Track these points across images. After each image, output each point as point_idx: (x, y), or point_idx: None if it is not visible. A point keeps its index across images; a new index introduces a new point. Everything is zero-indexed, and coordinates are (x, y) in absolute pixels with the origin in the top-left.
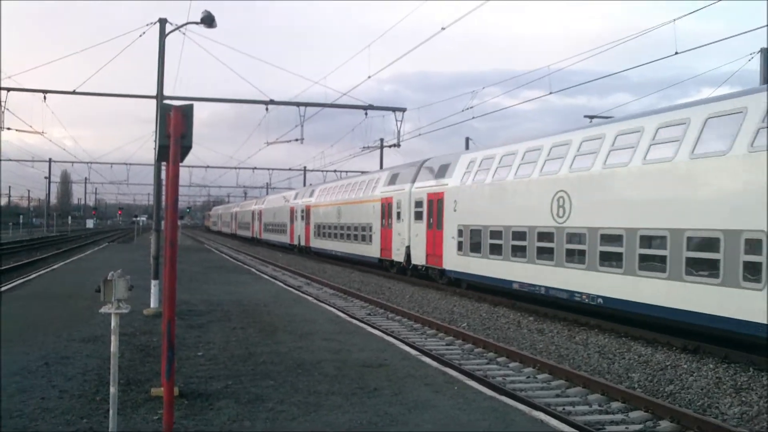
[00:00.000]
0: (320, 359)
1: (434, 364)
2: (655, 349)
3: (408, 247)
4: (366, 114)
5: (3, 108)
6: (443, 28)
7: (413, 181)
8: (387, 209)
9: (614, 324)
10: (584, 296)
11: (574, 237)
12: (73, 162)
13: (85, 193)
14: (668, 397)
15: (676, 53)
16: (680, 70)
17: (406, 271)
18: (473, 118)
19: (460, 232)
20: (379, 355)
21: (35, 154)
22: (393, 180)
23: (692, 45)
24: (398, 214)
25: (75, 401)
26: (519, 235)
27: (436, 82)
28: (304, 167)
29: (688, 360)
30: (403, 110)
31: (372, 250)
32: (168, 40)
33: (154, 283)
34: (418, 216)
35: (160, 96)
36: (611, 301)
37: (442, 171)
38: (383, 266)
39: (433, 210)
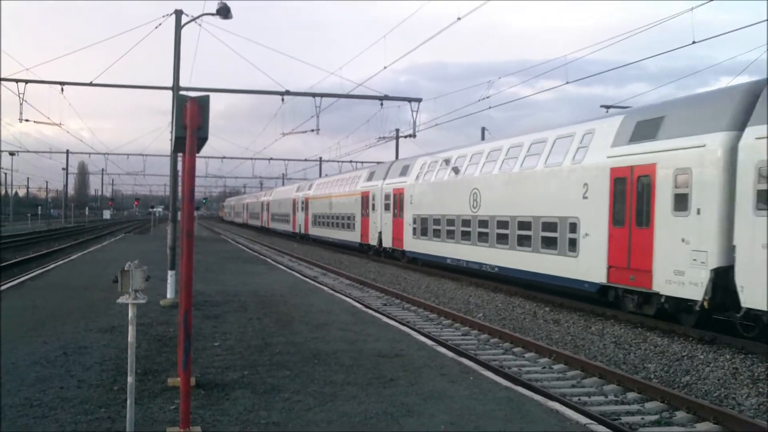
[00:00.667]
0: (336, 349)
1: (450, 354)
2: (671, 340)
3: (380, 233)
4: (381, 104)
5: (21, 100)
6: (459, 18)
7: (384, 179)
8: (365, 201)
9: (630, 315)
10: (487, 266)
11: (483, 223)
12: (90, 153)
13: (102, 184)
14: (684, 388)
15: (694, 42)
16: (698, 60)
17: (379, 252)
18: (489, 108)
19: (414, 220)
20: (395, 346)
21: (53, 145)
22: (370, 177)
23: (710, 34)
24: (373, 205)
25: (93, 391)
26: (450, 222)
27: (452, 72)
28: (320, 158)
29: (705, 351)
30: (419, 101)
31: (355, 236)
32: (184, 31)
33: (170, 273)
34: (387, 207)
35: (176, 87)
36: (503, 269)
37: (405, 171)
38: (363, 250)
39: (396, 202)
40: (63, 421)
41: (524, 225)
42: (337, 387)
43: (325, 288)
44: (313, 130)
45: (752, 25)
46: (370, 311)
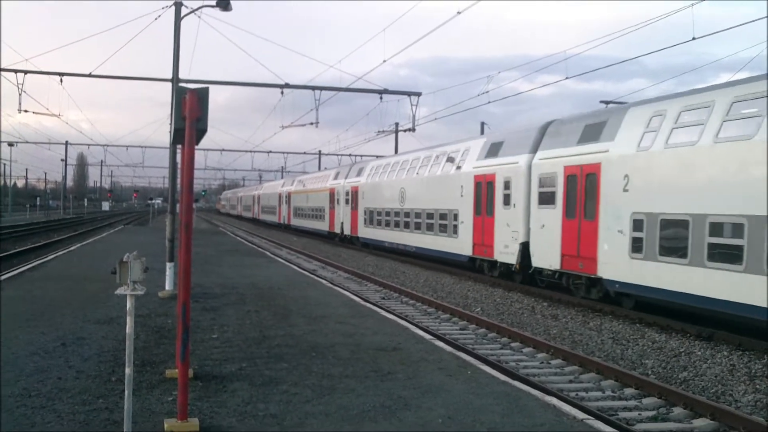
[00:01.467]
0: (334, 342)
1: (448, 348)
2: (669, 336)
3: (342, 223)
4: (381, 98)
5: (20, 90)
6: (459, 13)
7: (346, 178)
8: (332, 196)
9: (628, 310)
10: (408, 246)
11: (408, 214)
12: (89, 145)
13: (101, 175)
14: (681, 384)
15: (694, 39)
16: (698, 56)
17: (342, 239)
18: (489, 102)
19: (365, 212)
20: (393, 339)
21: (52, 136)
22: (336, 176)
23: (710, 30)
24: (337, 200)
25: (91, 382)
26: (387, 213)
27: (452, 66)
28: (319, 151)
29: (702, 347)
30: (418, 94)
31: (324, 225)
32: (183, 23)
33: (169, 265)
34: (347, 201)
35: (175, 79)
36: (418, 249)
37: (359, 172)
38: (330, 237)
39: (353, 198)
40: (61, 411)
41: (429, 215)
42: (335, 380)
43: (324, 281)
44: (312, 123)
45: (754, 21)
46: (368, 304)
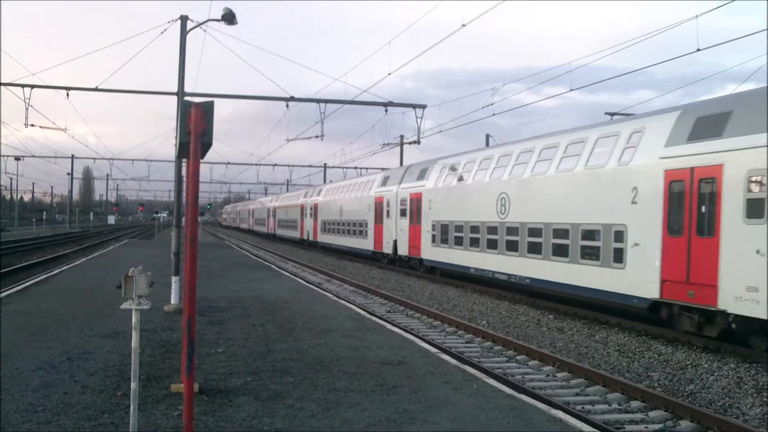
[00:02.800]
0: (340, 356)
1: (453, 361)
2: (675, 348)
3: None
4: (386, 111)
5: (27, 105)
6: (464, 25)
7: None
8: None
9: (634, 322)
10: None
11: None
12: (95, 158)
13: (107, 189)
14: (688, 397)
15: (698, 50)
16: (705, 66)
17: (393, 261)
18: (494, 114)
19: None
20: (399, 353)
21: (58, 150)
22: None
23: (715, 41)
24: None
25: (96, 396)
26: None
27: (458, 78)
28: (324, 164)
29: (709, 359)
30: (423, 107)
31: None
32: (189, 37)
33: (174, 279)
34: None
35: (180, 93)
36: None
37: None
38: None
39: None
40: (66, 426)
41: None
42: (341, 394)
43: (329, 294)
44: (317, 136)
45: (760, 32)
46: (374, 318)
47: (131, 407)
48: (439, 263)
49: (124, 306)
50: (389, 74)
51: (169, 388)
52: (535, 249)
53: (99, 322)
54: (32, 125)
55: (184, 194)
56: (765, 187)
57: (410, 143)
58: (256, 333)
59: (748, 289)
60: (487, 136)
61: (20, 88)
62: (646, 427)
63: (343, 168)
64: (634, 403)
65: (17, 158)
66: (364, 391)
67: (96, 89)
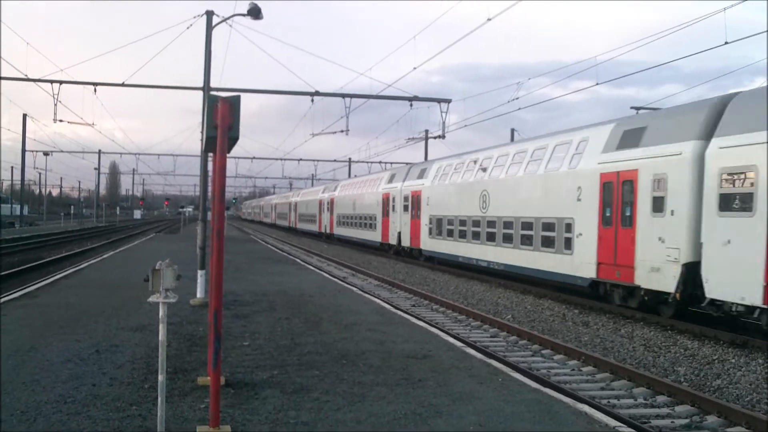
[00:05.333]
0: (365, 350)
1: (478, 355)
2: (701, 343)
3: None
4: (411, 105)
5: (56, 100)
6: (489, 19)
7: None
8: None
9: (659, 317)
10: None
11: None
12: (121, 153)
13: (133, 183)
14: (715, 392)
15: (726, 43)
16: (733, 60)
17: (398, 252)
18: (519, 109)
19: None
20: (424, 347)
21: (86, 145)
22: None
23: (744, 34)
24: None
25: (124, 388)
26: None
27: (484, 73)
28: (349, 158)
29: (736, 354)
30: (448, 101)
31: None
32: (215, 32)
33: (200, 273)
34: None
35: (207, 87)
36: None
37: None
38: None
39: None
40: (95, 417)
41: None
42: (366, 387)
43: (354, 288)
44: (342, 131)
45: None
46: (398, 312)
47: (159, 399)
48: (434, 253)
49: (151, 299)
50: (414, 69)
51: (195, 381)
52: (508, 239)
53: (126, 315)
54: (60, 120)
55: (210, 189)
56: (664, 187)
57: (435, 138)
58: (282, 326)
59: (652, 269)
60: (512, 131)
61: (49, 84)
62: (672, 422)
63: (367, 162)
64: (660, 398)
65: (46, 153)
66: (390, 385)
67: (123, 84)
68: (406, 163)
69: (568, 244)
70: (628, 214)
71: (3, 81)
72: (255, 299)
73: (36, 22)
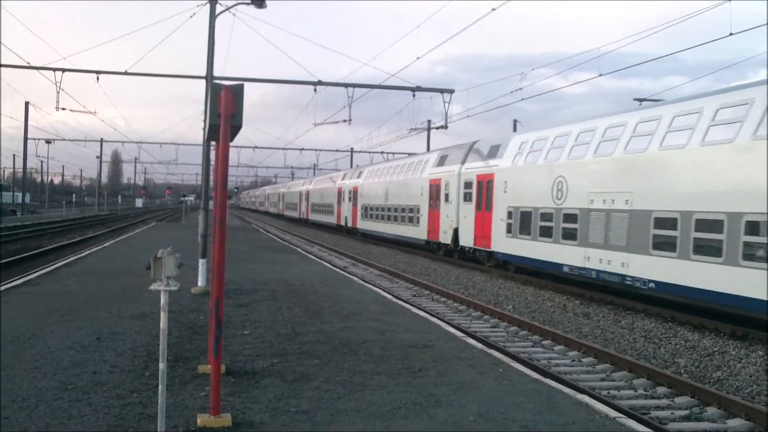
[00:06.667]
0: (366, 339)
1: (479, 345)
2: (702, 335)
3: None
4: (414, 95)
5: (58, 88)
6: (493, 9)
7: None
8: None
9: (660, 308)
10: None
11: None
12: (123, 142)
13: (135, 172)
14: (715, 383)
15: (731, 34)
16: (736, 53)
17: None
18: (522, 99)
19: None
20: (425, 336)
21: (88, 134)
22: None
23: (748, 26)
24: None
25: (125, 376)
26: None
27: (488, 63)
28: (351, 148)
29: (737, 346)
30: (451, 92)
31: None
32: (218, 20)
33: (201, 261)
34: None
35: (209, 76)
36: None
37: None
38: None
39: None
40: (96, 404)
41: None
42: (367, 376)
43: (355, 278)
44: (345, 121)
45: None
46: (399, 302)
47: (159, 387)
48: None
49: (152, 287)
50: (417, 59)
51: (196, 369)
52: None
53: (127, 303)
54: (63, 109)
55: (212, 177)
56: (448, 188)
57: (437, 128)
58: (283, 315)
59: (444, 232)
60: (515, 122)
61: (52, 72)
62: (672, 413)
63: (369, 153)
64: (660, 389)
65: (48, 141)
66: (390, 374)
67: (126, 73)
68: (409, 154)
69: (417, 220)
70: (437, 202)
71: (5, 69)
72: (256, 288)
73: (39, 9)
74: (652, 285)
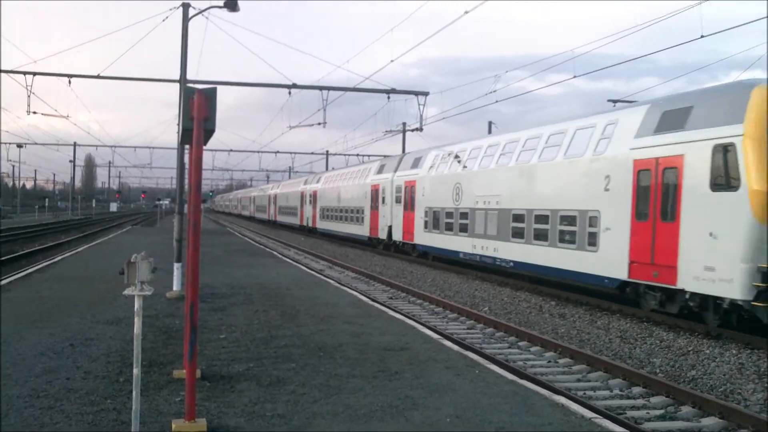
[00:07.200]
0: (342, 342)
1: (455, 347)
2: (677, 335)
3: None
4: (388, 98)
5: (29, 92)
6: (466, 12)
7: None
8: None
9: (636, 309)
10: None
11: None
12: (97, 146)
13: (109, 176)
14: (690, 383)
15: (702, 36)
16: (710, 54)
17: (388, 246)
18: (496, 102)
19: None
20: (401, 339)
21: (61, 138)
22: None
23: (719, 28)
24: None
25: (99, 382)
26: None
27: (463, 66)
28: (326, 151)
29: (711, 345)
30: (426, 94)
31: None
32: (191, 24)
33: (176, 266)
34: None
35: (183, 80)
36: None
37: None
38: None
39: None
40: (69, 411)
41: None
42: (343, 380)
43: (331, 281)
44: (320, 124)
45: (762, 18)
46: (375, 304)
47: (133, 393)
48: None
49: (126, 292)
50: (392, 61)
51: (171, 374)
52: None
53: (101, 308)
54: (34, 113)
55: (186, 181)
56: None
57: (413, 130)
58: (259, 319)
59: (381, 230)
60: (490, 124)
61: (22, 76)
62: (647, 413)
63: (345, 155)
64: (636, 389)
65: (19, 145)
66: (366, 377)
67: (98, 77)
68: (384, 156)
69: (362, 220)
70: (377, 204)
71: None
72: (232, 292)
73: (8, 12)
74: (511, 264)
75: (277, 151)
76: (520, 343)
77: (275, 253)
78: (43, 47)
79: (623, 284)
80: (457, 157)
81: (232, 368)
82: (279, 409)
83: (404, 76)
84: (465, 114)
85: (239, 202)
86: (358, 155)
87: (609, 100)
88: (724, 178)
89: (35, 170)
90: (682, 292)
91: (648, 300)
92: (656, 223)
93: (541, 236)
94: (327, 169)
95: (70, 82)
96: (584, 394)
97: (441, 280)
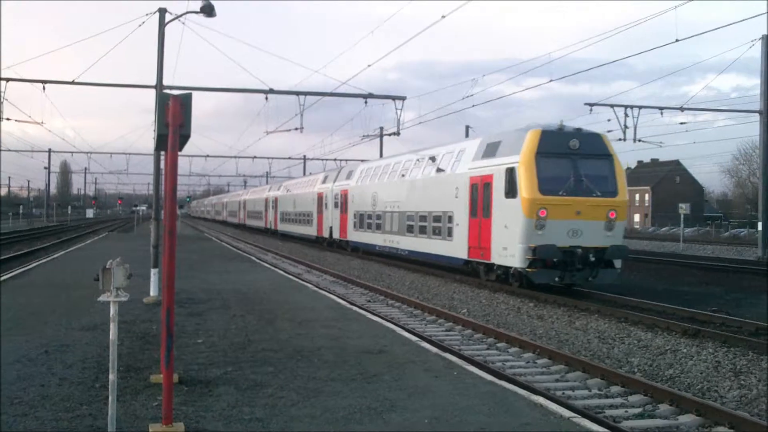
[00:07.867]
0: (320, 346)
1: (434, 349)
2: (654, 334)
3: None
4: (366, 102)
5: (2, 98)
6: (443, 17)
7: (334, 182)
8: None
9: (614, 309)
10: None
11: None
12: (72, 152)
13: (85, 183)
14: (668, 381)
15: (677, 40)
16: (686, 58)
17: (331, 243)
18: (473, 106)
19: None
20: (379, 342)
21: (35, 144)
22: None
23: (695, 32)
24: (326, 204)
25: (74, 388)
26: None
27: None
28: (304, 156)
29: (688, 344)
30: (403, 98)
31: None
32: (168, 29)
33: (153, 271)
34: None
35: (159, 86)
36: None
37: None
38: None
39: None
40: (44, 418)
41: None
42: (321, 383)
43: (309, 285)
44: (297, 129)
45: (736, 22)
46: (354, 308)
47: (110, 398)
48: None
49: (101, 298)
50: (369, 66)
51: (148, 379)
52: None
53: (77, 315)
54: (8, 119)
55: (162, 187)
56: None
57: (390, 135)
58: (236, 324)
59: (350, 232)
60: (467, 128)
61: None
62: (625, 411)
63: (322, 160)
64: (614, 388)
65: None
66: (345, 380)
67: (73, 83)
68: (361, 160)
69: (312, 222)
70: (322, 208)
71: None
72: (209, 297)
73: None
74: (407, 252)
75: (255, 156)
76: (499, 345)
77: (252, 257)
78: (17, 53)
79: (466, 262)
80: (374, 171)
81: (210, 372)
82: (257, 413)
83: (383, 80)
84: (443, 118)
85: (213, 207)
86: (335, 159)
87: (586, 104)
88: (511, 190)
89: (9, 177)
90: (494, 265)
91: (481, 272)
92: (481, 219)
93: (422, 231)
94: (305, 173)
95: (44, 88)
96: (563, 393)
97: (419, 283)
